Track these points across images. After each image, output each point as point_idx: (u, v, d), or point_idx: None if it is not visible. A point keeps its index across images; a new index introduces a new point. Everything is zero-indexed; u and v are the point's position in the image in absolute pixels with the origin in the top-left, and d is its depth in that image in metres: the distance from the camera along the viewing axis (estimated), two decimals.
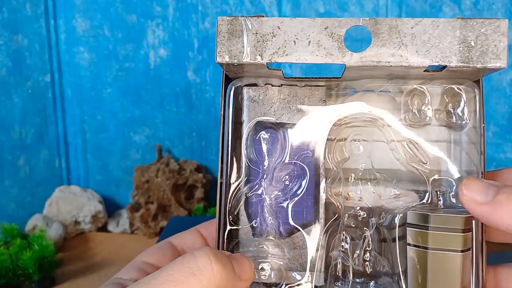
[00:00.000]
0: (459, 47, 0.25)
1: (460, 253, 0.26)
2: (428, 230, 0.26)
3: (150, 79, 0.73)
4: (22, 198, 0.70)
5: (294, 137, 0.30)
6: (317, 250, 0.29)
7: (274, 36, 0.25)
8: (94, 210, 0.70)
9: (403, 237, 0.29)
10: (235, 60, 0.25)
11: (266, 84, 0.30)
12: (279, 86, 0.30)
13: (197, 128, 0.74)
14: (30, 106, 0.70)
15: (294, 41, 0.25)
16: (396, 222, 0.29)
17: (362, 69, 0.26)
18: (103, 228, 0.72)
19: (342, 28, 0.25)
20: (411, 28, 0.25)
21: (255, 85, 0.30)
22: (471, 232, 0.26)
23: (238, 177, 0.29)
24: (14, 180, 0.69)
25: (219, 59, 0.26)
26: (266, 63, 0.25)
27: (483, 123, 0.28)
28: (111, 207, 0.75)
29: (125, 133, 0.75)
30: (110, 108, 0.74)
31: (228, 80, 0.29)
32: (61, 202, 0.70)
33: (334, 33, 0.25)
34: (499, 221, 0.23)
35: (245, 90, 0.30)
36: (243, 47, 0.25)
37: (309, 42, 0.25)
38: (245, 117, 0.30)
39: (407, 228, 0.27)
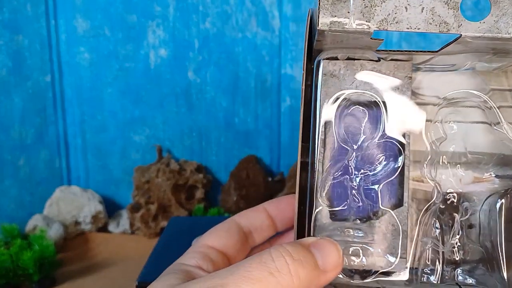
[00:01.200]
0: None
1: None
2: None
3: (150, 79, 0.73)
4: (22, 198, 0.70)
5: (380, 114, 0.27)
6: (406, 235, 0.27)
7: (384, 1, 0.22)
8: (94, 211, 0.70)
9: (493, 219, 0.26)
10: (340, 28, 0.23)
11: (348, 59, 0.27)
12: (362, 60, 0.27)
13: (197, 128, 0.74)
14: (30, 106, 0.70)
15: (406, 7, 0.22)
16: (497, 205, 0.27)
17: (471, 41, 0.23)
18: (104, 229, 0.72)
19: None
20: None
21: (335, 58, 0.27)
22: None
23: (325, 156, 0.27)
24: (14, 180, 0.69)
25: (321, 26, 0.22)
26: (373, 31, 0.23)
27: None
28: (111, 208, 0.75)
29: (125, 133, 0.75)
30: (110, 108, 0.74)
31: (309, 53, 0.26)
32: (61, 202, 0.70)
33: (450, 0, 0.22)
34: None
35: (322, 63, 0.27)
36: (348, 12, 0.23)
37: (422, 8, 0.22)
38: (324, 93, 0.27)
39: None
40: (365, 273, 0.27)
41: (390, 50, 0.27)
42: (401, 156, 0.27)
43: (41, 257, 0.55)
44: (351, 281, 0.27)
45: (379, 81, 0.27)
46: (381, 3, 0.22)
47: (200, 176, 0.71)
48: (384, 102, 0.27)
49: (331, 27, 0.23)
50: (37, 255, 0.54)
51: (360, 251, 0.27)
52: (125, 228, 0.71)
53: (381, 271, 0.27)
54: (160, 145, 0.73)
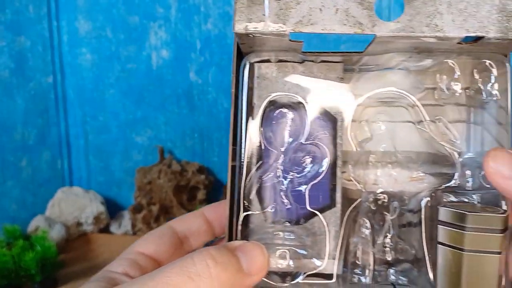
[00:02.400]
0: (498, 16, 0.23)
1: (498, 255, 0.24)
2: (464, 230, 0.24)
3: (152, 80, 0.73)
4: (24, 199, 0.70)
5: (311, 117, 0.27)
6: (335, 236, 0.27)
7: (299, 3, 0.23)
8: (96, 211, 0.70)
9: (427, 221, 0.27)
10: (256, 30, 0.23)
11: (279, 61, 0.27)
12: (293, 62, 0.27)
13: (199, 129, 0.74)
14: (32, 107, 0.70)
15: (320, 9, 0.22)
16: (422, 204, 0.27)
17: (391, 41, 0.24)
18: (105, 229, 0.72)
19: None
20: None
21: (267, 61, 0.27)
22: (509, 230, 0.24)
23: (252, 159, 0.27)
24: (17, 181, 0.69)
25: (237, 28, 0.23)
26: (289, 33, 0.23)
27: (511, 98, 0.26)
28: (113, 209, 0.75)
29: (127, 134, 0.75)
30: (112, 109, 0.74)
31: (239, 55, 0.27)
32: (63, 203, 0.70)
33: (364, 0, 0.23)
34: None
35: (256, 66, 0.27)
36: (263, 15, 0.23)
37: (337, 9, 0.22)
38: (257, 96, 0.27)
39: (439, 226, 0.25)
40: (294, 275, 0.27)
41: (319, 52, 0.27)
42: (327, 158, 0.27)
43: (43, 258, 0.55)
44: (281, 284, 0.27)
45: (310, 83, 0.27)
46: (296, 5, 0.22)
47: (201, 177, 0.71)
48: (312, 104, 0.27)
49: (248, 30, 0.23)
50: (39, 256, 0.54)
51: (289, 253, 0.27)
52: (127, 229, 0.71)
53: (309, 272, 0.27)
54: (162, 146, 0.74)
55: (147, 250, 0.27)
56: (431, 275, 0.26)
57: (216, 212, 0.29)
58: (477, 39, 0.23)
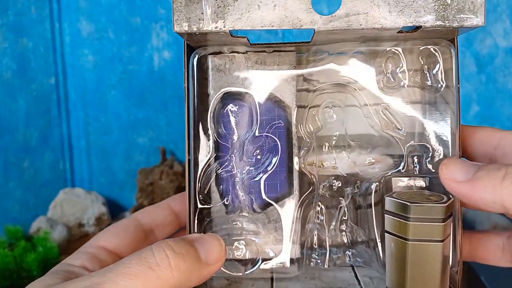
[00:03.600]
0: (434, 5, 0.23)
1: (440, 243, 0.25)
2: (408, 221, 0.25)
3: (154, 82, 0.73)
4: (26, 200, 0.70)
5: (264, 107, 0.28)
6: (292, 222, 0.28)
7: (236, 1, 0.23)
8: (98, 212, 0.70)
9: (377, 204, 0.28)
10: (195, 29, 0.23)
11: (232, 52, 0.27)
12: (245, 53, 0.27)
13: None
14: (34, 108, 0.71)
15: (258, 5, 0.23)
16: (372, 189, 0.28)
17: (333, 33, 0.24)
18: None
19: None
20: None
21: (220, 53, 0.27)
22: (451, 218, 0.25)
23: (207, 153, 0.27)
24: (19, 182, 0.69)
25: (176, 28, 0.23)
26: (229, 30, 0.23)
27: (458, 84, 0.26)
28: (115, 209, 0.75)
29: (129, 135, 0.75)
30: (114, 110, 0.74)
31: (190, 49, 0.27)
32: (65, 204, 0.70)
33: None
34: (478, 198, 0.22)
35: (210, 59, 0.27)
36: (202, 13, 0.23)
37: (275, 5, 0.23)
38: (211, 88, 0.27)
39: (386, 215, 0.26)
40: (253, 262, 0.28)
41: (271, 43, 0.27)
42: (282, 147, 0.28)
43: (44, 259, 0.55)
44: (241, 272, 0.27)
45: (263, 73, 0.27)
46: (234, 2, 0.23)
47: None
48: (269, 95, 0.27)
49: (188, 29, 0.23)
50: (40, 257, 0.54)
51: (246, 242, 0.28)
52: None
53: (268, 259, 0.28)
54: (164, 147, 0.74)
55: (109, 244, 0.27)
56: (381, 253, 0.27)
57: (182, 203, 0.29)
58: (416, 28, 0.24)
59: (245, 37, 0.25)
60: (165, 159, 0.73)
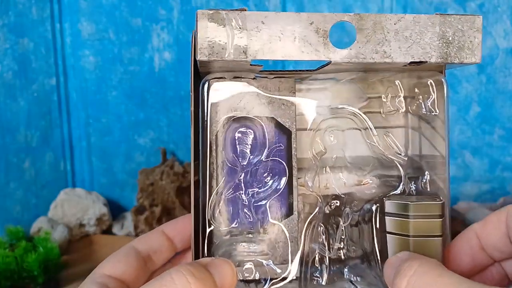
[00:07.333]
0: (439, 43, 0.25)
1: (440, 238, 0.27)
2: (409, 218, 0.27)
3: (154, 82, 0.73)
4: (27, 201, 0.70)
5: (267, 131, 0.29)
6: (296, 243, 0.29)
7: (259, 32, 0.24)
8: (99, 213, 0.70)
9: (369, 221, 0.30)
10: (218, 58, 0.24)
11: (234, 78, 0.29)
12: (248, 78, 0.29)
13: None
14: (35, 109, 0.71)
15: (279, 37, 0.24)
16: (373, 210, 0.29)
17: (343, 64, 0.25)
18: (108, 231, 0.72)
19: (327, 24, 0.24)
20: (394, 24, 0.25)
21: (222, 78, 0.29)
22: (445, 217, 0.28)
23: (214, 175, 0.28)
24: (20, 182, 0.69)
25: (200, 57, 0.24)
26: (250, 61, 0.24)
27: (448, 112, 0.29)
28: (116, 210, 0.75)
29: (130, 136, 0.75)
30: (115, 111, 0.75)
31: (196, 74, 0.28)
32: (66, 204, 0.70)
33: (320, 29, 0.24)
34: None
35: (212, 84, 0.28)
36: (225, 43, 0.24)
37: (295, 38, 0.24)
38: (214, 113, 0.29)
39: (386, 217, 0.28)
40: (259, 283, 0.29)
41: (273, 71, 0.29)
42: (286, 171, 0.29)
43: (45, 259, 0.55)
44: None
45: (265, 98, 0.29)
46: (256, 33, 0.24)
47: None
48: (270, 119, 0.29)
49: (210, 58, 0.24)
50: (41, 257, 0.54)
51: (253, 264, 0.29)
52: (129, 230, 0.71)
53: (274, 279, 0.29)
54: (165, 148, 0.74)
55: (115, 273, 0.27)
56: (375, 265, 0.29)
57: (176, 229, 0.30)
58: (420, 62, 0.26)
59: (261, 65, 0.26)
60: (165, 160, 0.73)
